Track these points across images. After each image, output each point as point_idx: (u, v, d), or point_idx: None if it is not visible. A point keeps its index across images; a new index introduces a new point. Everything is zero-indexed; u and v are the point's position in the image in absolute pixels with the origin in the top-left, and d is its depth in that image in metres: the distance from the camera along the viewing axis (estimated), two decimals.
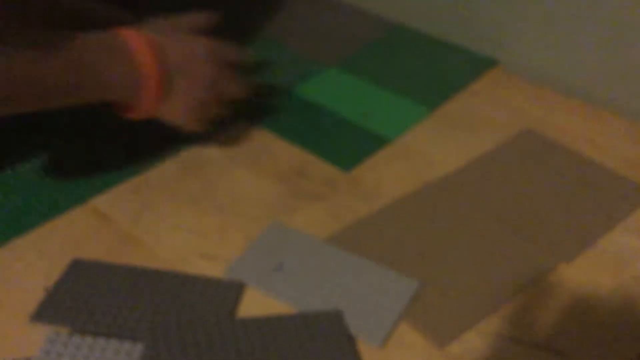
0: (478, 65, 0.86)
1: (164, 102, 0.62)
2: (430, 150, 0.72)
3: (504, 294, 0.56)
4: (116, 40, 0.60)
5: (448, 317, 0.55)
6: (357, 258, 0.59)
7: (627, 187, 0.67)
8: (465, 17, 0.89)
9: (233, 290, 0.56)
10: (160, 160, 0.70)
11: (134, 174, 0.68)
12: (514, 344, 0.53)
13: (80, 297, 0.55)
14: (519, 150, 0.72)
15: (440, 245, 0.61)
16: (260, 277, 0.57)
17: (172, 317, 0.53)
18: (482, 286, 0.57)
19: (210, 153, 0.72)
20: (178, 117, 0.65)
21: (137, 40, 0.60)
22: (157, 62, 0.60)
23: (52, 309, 0.54)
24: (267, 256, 0.59)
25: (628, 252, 0.60)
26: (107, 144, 0.73)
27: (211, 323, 0.52)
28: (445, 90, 0.81)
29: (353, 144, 0.73)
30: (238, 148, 0.72)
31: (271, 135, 0.74)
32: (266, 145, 0.73)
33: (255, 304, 0.56)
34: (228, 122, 0.73)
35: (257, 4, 1.00)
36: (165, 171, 0.69)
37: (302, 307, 0.55)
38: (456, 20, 0.90)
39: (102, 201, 0.65)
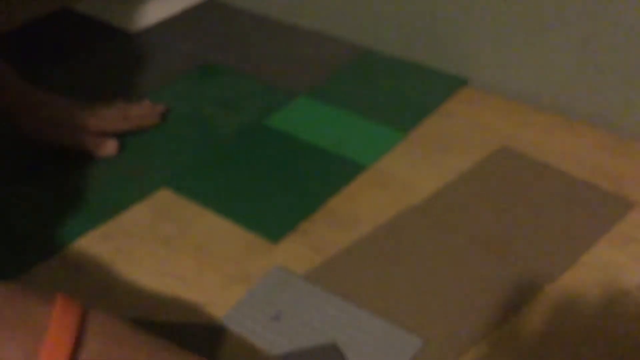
0: (449, 85, 0.86)
1: None
2: (406, 174, 0.71)
3: (491, 319, 0.55)
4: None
5: (436, 347, 0.53)
6: (359, 310, 0.56)
7: (606, 200, 0.66)
8: (433, 38, 0.88)
9: (212, 334, 0.54)
10: (131, 203, 0.68)
11: (104, 219, 0.67)
12: None
13: None
14: (496, 169, 0.71)
15: (422, 274, 0.59)
16: (256, 326, 0.55)
17: None
18: (468, 312, 0.56)
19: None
20: None
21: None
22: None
23: None
24: (265, 304, 0.57)
25: (614, 266, 0.60)
26: (73, 190, 0.71)
27: None
28: (418, 112, 0.81)
29: (328, 173, 0.72)
30: None
31: None
32: None
33: (239, 348, 0.54)
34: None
35: (222, 36, 0.99)
36: (137, 214, 0.67)
37: None
38: (424, 41, 0.89)
39: (73, 251, 0.63)
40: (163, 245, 0.64)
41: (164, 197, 0.69)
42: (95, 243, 0.64)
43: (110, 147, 0.75)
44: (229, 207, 0.68)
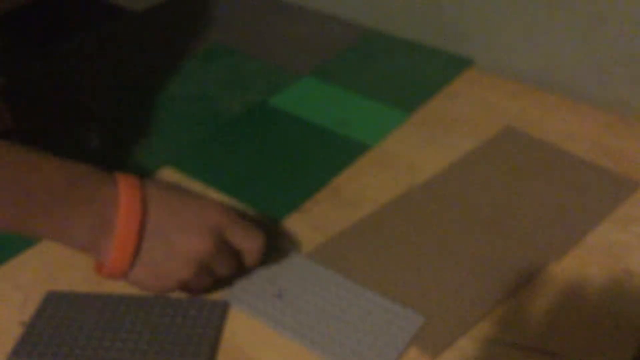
0: (453, 65, 0.85)
1: (133, 262, 0.51)
2: (411, 154, 0.71)
3: (494, 298, 0.55)
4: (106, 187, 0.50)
5: (439, 325, 0.53)
6: (361, 288, 0.56)
7: (611, 180, 0.66)
8: (437, 19, 0.88)
9: (217, 310, 0.54)
10: None
11: None
12: (507, 348, 0.51)
13: (59, 331, 0.53)
14: (500, 149, 0.71)
15: (426, 252, 0.59)
16: (259, 303, 0.55)
17: (154, 343, 0.52)
18: (472, 291, 0.56)
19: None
20: (146, 281, 0.52)
21: (126, 185, 0.50)
22: (138, 223, 0.49)
23: (31, 344, 0.52)
24: (268, 282, 0.57)
25: (617, 246, 0.59)
26: None
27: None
28: (422, 93, 0.80)
29: (332, 153, 0.71)
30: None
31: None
32: None
33: (241, 325, 0.54)
34: None
35: (227, 16, 0.99)
36: None
37: (299, 337, 0.53)
38: (429, 22, 0.89)
39: None
40: None
41: (168, 175, 0.69)
42: None
43: None
44: (233, 186, 0.68)
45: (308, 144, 0.73)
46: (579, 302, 0.55)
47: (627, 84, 0.76)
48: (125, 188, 0.50)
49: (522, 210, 0.63)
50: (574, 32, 0.77)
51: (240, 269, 0.56)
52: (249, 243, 0.54)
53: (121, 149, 0.73)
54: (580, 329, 0.53)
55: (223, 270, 0.54)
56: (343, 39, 0.92)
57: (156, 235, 0.50)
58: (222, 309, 0.55)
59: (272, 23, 0.97)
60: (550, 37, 0.79)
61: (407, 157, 0.71)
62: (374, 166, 0.70)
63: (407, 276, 0.57)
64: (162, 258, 0.50)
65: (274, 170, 0.70)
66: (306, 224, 0.63)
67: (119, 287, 0.57)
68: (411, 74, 0.84)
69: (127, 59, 0.90)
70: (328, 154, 0.71)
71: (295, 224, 0.63)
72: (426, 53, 0.88)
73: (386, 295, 0.56)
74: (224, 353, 0.52)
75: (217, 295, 0.56)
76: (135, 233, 0.49)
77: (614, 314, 0.54)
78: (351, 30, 0.94)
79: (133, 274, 0.51)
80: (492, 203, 0.64)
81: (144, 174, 0.69)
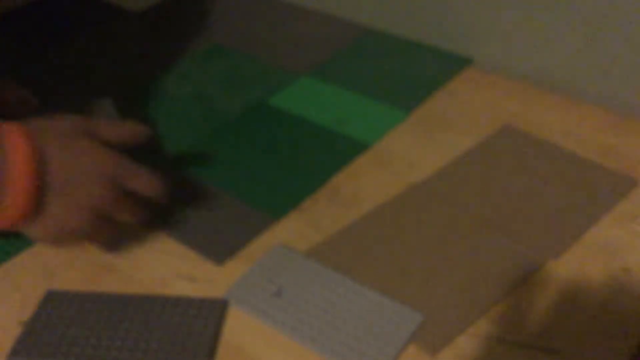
0: (453, 64, 0.85)
1: (32, 219, 0.52)
2: (409, 153, 0.71)
3: (493, 296, 0.55)
4: None
5: (438, 323, 0.53)
6: (360, 286, 0.56)
7: (609, 178, 0.66)
8: (436, 17, 0.88)
9: (216, 308, 0.55)
10: None
11: None
12: (506, 346, 0.51)
13: (58, 330, 0.53)
14: (499, 147, 0.71)
15: (425, 250, 0.59)
16: (258, 302, 0.55)
17: (154, 342, 0.52)
18: (470, 289, 0.56)
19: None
20: (44, 237, 0.54)
21: (18, 138, 0.51)
22: (33, 173, 0.51)
23: (30, 344, 0.52)
24: (267, 280, 0.57)
25: (615, 244, 0.59)
26: None
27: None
28: (421, 91, 0.80)
29: (331, 152, 0.72)
30: None
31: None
32: None
33: (240, 323, 0.54)
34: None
35: (227, 16, 0.99)
36: None
37: (298, 336, 0.53)
38: (428, 20, 0.89)
39: None
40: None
41: (168, 174, 0.69)
42: None
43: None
44: (232, 185, 0.68)
45: (307, 143, 0.73)
46: (577, 299, 0.55)
47: (626, 82, 0.76)
48: (14, 134, 0.51)
49: (520, 208, 0.63)
50: (574, 31, 0.77)
51: (149, 206, 0.59)
52: (146, 185, 0.56)
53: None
54: (578, 327, 0.53)
55: (125, 216, 0.57)
56: (342, 38, 0.92)
57: (55, 182, 0.52)
58: (221, 308, 0.55)
59: (272, 23, 0.97)
60: (550, 36, 0.79)
61: (405, 156, 0.71)
62: (372, 165, 0.70)
63: (406, 274, 0.57)
64: (58, 210, 0.52)
65: (273, 169, 0.70)
66: (305, 223, 0.63)
67: (119, 287, 0.57)
68: (410, 73, 0.84)
69: (127, 59, 0.90)
70: (327, 153, 0.72)
71: (294, 222, 0.63)
72: (425, 52, 0.88)
73: (385, 294, 0.56)
74: (223, 351, 0.52)
75: (216, 294, 0.56)
76: (28, 169, 0.50)
77: (613, 311, 0.54)
78: (350, 30, 0.94)
79: (32, 226, 0.53)
80: (491, 201, 0.64)
81: None
